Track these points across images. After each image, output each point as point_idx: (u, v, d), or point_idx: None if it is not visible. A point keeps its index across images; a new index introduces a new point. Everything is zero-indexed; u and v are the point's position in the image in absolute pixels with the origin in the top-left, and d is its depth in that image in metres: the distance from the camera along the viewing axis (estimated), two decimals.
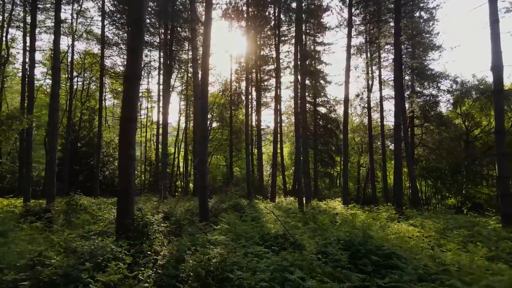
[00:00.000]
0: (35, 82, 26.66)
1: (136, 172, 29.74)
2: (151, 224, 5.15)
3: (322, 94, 28.82)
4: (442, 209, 22.17)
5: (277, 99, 21.48)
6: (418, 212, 13.49)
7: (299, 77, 14.85)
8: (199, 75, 11.71)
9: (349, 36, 16.56)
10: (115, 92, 30.49)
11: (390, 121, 25.92)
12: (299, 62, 15.24)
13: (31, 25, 13.99)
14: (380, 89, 23.83)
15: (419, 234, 8.44)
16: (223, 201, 10.75)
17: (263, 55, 25.93)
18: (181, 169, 31.65)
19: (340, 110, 30.03)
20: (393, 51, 23.78)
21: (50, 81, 25.42)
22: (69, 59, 23.59)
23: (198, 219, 8.19)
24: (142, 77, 31.02)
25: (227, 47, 52.49)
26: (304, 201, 13.60)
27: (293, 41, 25.31)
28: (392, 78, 24.63)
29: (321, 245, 5.44)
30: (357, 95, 25.20)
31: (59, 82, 13.45)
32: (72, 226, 6.49)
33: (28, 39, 18.36)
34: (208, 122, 30.52)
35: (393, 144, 27.02)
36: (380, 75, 24.07)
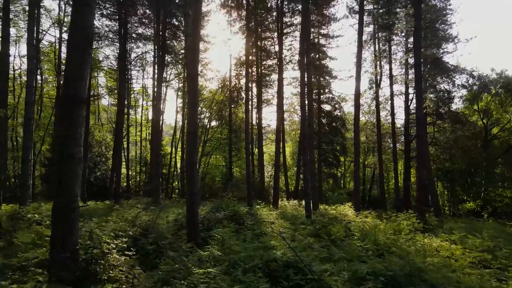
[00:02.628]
0: (23, 77, 25.29)
1: (130, 172, 28.14)
2: (105, 256, 3.52)
3: (327, 90, 27.20)
4: (455, 213, 20.54)
5: (280, 94, 19.82)
6: (440, 219, 11.92)
7: (305, 62, 13.23)
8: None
9: (361, 23, 14.88)
10: (108, 88, 28.85)
11: (400, 118, 24.27)
12: (305, 51, 13.62)
13: (3, 7, 12.35)
14: (391, 84, 22.14)
15: (459, 253, 6.86)
16: (218, 209, 9.12)
17: (265, 48, 24.30)
18: (179, 170, 30.02)
19: (345, 107, 28.56)
20: (405, 42, 22.33)
21: (39, 76, 23.94)
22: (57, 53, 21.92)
23: (186, 235, 6.57)
24: (137, 74, 29.53)
25: (226, 40, 50.77)
26: (311, 207, 11.99)
27: (296, 33, 23.73)
28: (403, 73, 22.99)
29: (353, 282, 3.83)
30: (370, 88, 23.46)
31: (33, 73, 11.93)
32: (13, 249, 4.89)
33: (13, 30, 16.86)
34: (207, 121, 29.08)
35: (398, 144, 25.50)
36: (390, 69, 22.38)
